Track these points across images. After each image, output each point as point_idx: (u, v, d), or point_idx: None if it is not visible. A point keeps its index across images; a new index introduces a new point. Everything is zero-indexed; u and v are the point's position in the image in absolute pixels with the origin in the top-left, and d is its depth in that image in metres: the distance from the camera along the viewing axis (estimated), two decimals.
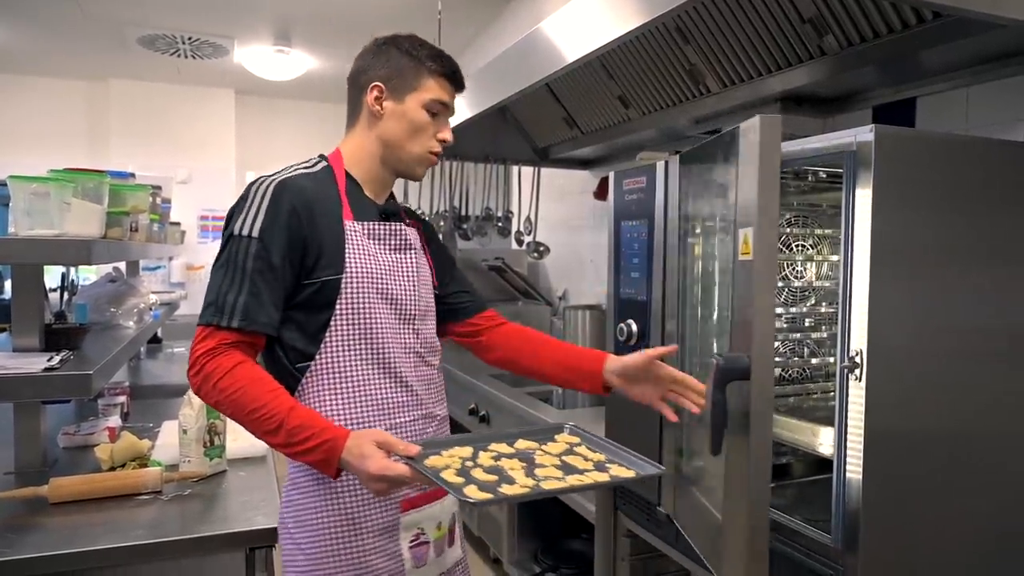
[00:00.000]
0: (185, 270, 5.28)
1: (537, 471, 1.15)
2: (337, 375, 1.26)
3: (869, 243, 1.20)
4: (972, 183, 1.32)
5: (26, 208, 1.52)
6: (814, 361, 1.81)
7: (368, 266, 1.27)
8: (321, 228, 1.24)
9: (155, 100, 5.37)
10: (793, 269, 1.80)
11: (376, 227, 1.32)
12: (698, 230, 1.55)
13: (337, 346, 1.25)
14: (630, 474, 1.17)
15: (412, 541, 1.31)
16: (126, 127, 5.31)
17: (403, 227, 1.36)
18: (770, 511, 1.23)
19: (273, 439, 1.14)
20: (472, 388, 3.11)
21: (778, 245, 1.56)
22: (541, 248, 3.78)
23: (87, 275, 3.63)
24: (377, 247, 1.31)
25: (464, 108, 2.58)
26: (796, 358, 1.81)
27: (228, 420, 1.35)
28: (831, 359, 1.75)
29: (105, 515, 1.50)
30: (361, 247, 1.28)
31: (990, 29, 1.37)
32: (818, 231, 1.78)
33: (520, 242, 3.82)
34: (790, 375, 1.84)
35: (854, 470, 1.24)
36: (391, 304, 1.30)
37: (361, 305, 1.26)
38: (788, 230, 1.75)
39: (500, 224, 3.91)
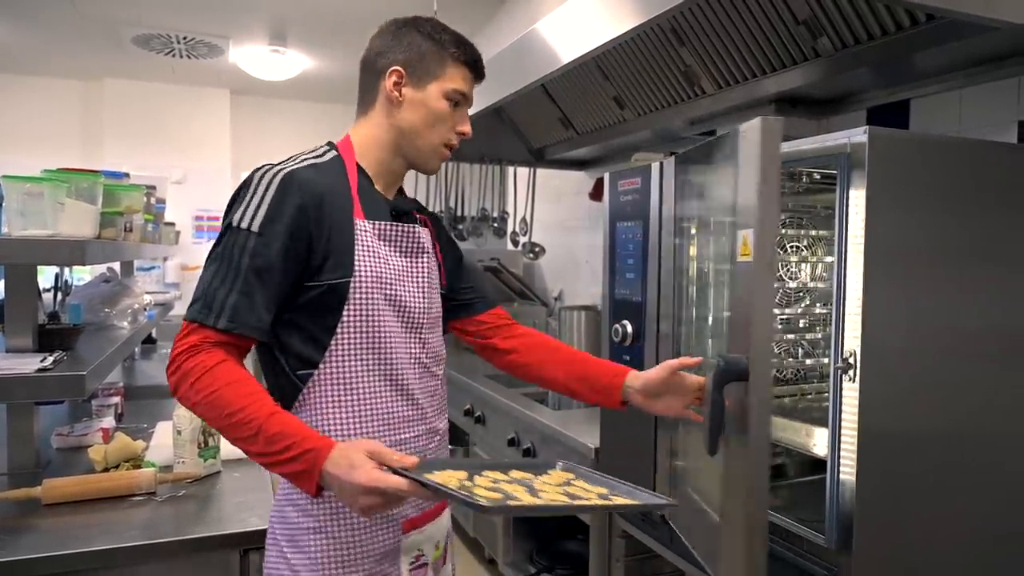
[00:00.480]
0: (180, 270, 5.26)
1: (541, 495, 1.06)
2: (342, 386, 1.17)
3: (863, 244, 1.21)
4: (965, 185, 1.32)
5: (20, 208, 1.51)
6: (808, 362, 1.81)
7: (378, 270, 1.18)
8: (329, 227, 1.15)
9: (150, 100, 5.35)
10: (787, 270, 1.80)
11: (388, 228, 1.22)
12: (693, 231, 1.55)
13: (344, 355, 1.16)
14: (660, 500, 1.22)
15: (412, 564, 1.24)
16: (121, 127, 5.29)
17: (416, 228, 1.27)
18: None
19: (251, 447, 1.03)
20: (468, 389, 3.11)
21: None
22: (537, 249, 3.79)
23: (81, 275, 3.61)
24: (388, 249, 1.22)
25: None
26: (790, 359, 1.81)
27: None
28: (825, 360, 1.75)
29: (99, 516, 1.49)
30: (371, 249, 1.18)
31: (983, 31, 1.38)
32: (812, 232, 1.78)
33: (516, 243, 3.82)
34: (784, 376, 1.84)
35: (848, 471, 1.24)
36: (399, 312, 1.21)
37: (369, 312, 1.17)
38: (783, 231, 1.75)
39: (496, 225, 3.91)
